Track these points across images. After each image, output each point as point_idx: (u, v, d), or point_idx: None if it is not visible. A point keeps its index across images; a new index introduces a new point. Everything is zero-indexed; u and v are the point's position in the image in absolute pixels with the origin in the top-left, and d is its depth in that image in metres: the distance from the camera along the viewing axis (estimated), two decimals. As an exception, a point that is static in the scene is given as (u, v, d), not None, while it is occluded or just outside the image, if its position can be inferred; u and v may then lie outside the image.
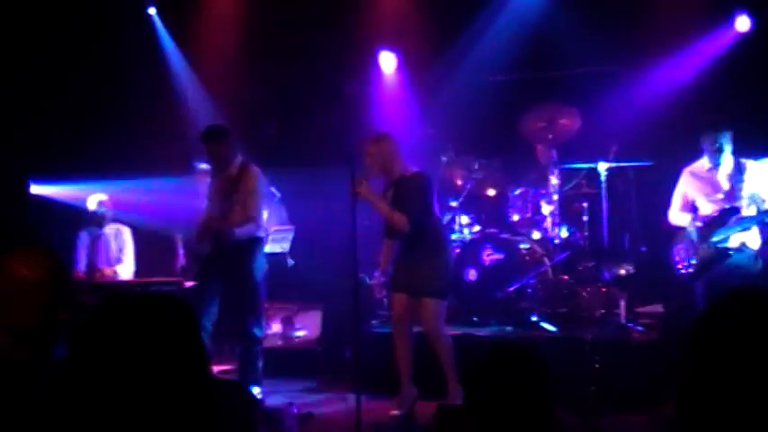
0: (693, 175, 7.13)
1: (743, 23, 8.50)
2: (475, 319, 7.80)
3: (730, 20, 8.54)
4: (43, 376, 2.57)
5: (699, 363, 1.62)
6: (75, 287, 8.01)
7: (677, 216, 7.19)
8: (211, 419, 2.05)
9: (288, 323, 8.78)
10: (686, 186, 7.16)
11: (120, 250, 8.83)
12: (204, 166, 7.79)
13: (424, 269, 6.54)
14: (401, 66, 9.86)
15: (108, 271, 8.64)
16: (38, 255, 2.79)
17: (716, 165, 6.92)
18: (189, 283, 8.21)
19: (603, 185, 8.15)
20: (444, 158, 8.42)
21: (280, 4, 9.76)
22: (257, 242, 7.27)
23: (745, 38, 8.54)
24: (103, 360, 1.96)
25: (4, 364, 2.66)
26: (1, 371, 2.63)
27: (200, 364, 2.05)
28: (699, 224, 6.91)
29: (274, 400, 6.59)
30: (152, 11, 10.32)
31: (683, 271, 6.97)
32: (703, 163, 7.05)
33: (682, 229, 7.08)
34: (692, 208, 7.11)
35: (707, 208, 6.97)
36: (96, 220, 8.79)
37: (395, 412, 6.51)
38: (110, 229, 8.85)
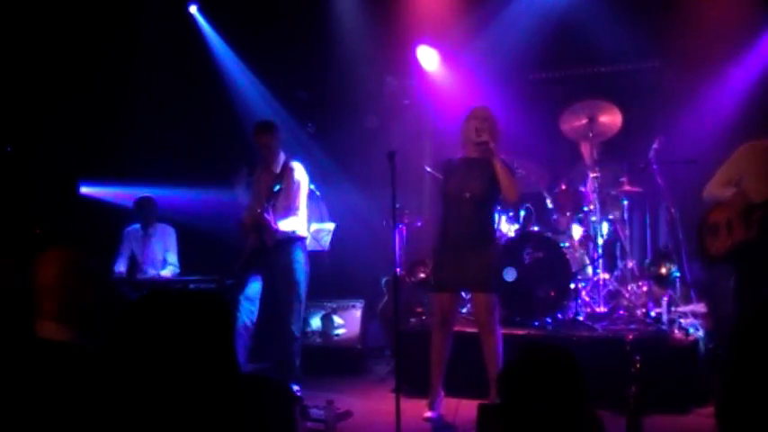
0: (755, 150, 6.50)
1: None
2: (517, 319, 7.76)
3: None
4: (79, 354, 2.85)
5: (741, 366, 1.60)
6: (114, 283, 8.12)
7: (717, 190, 6.56)
8: (242, 414, 2.07)
9: (327, 321, 8.80)
10: (740, 162, 6.51)
11: (166, 250, 8.89)
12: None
13: (478, 262, 6.39)
14: (442, 62, 9.84)
15: (151, 272, 8.70)
16: (53, 254, 3.14)
17: None
18: (230, 281, 8.27)
19: (646, 183, 8.09)
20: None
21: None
22: (299, 239, 7.32)
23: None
24: (139, 353, 2.01)
25: (46, 343, 2.95)
26: (44, 350, 2.90)
27: (229, 360, 2.08)
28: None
29: (313, 398, 6.59)
30: (193, 9, 10.36)
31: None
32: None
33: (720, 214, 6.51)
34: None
35: (758, 189, 6.33)
36: (142, 219, 8.86)
37: (429, 414, 6.45)
38: (156, 228, 8.92)
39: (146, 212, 8.85)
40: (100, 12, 9.48)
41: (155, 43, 9.75)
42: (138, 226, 8.90)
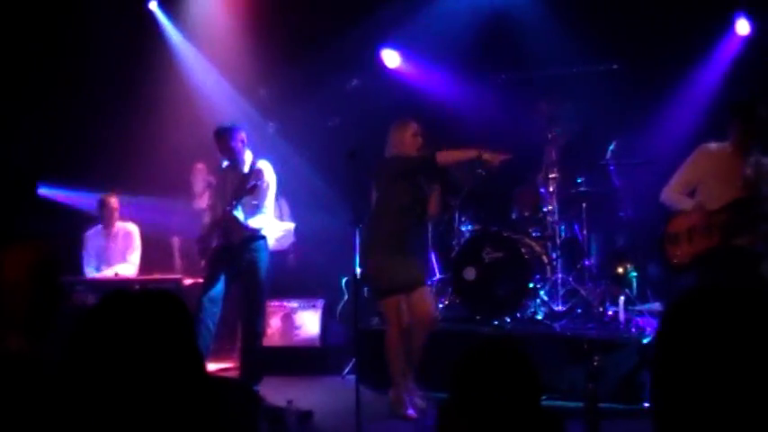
0: (712, 152, 6.53)
1: (743, 27, 8.51)
2: (477, 317, 7.83)
3: (731, 23, 8.56)
4: (42, 367, 2.63)
5: (664, 359, 1.67)
6: (74, 284, 8.04)
7: (675, 193, 6.60)
8: (208, 415, 2.08)
9: (288, 321, 8.80)
10: (697, 165, 6.55)
11: (128, 249, 8.84)
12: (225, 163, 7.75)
13: (415, 259, 6.64)
14: (404, 63, 9.88)
15: (108, 271, 8.64)
16: (18, 254, 2.83)
17: (741, 148, 6.35)
18: (188, 281, 8.25)
19: (603, 184, 8.20)
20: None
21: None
22: (264, 239, 7.32)
23: (746, 40, 8.57)
24: (100, 357, 2.00)
25: (4, 357, 2.72)
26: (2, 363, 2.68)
27: (194, 361, 2.09)
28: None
29: (275, 398, 6.59)
30: (153, 5, 10.25)
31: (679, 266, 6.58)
32: (725, 146, 6.48)
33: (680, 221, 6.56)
34: (691, 193, 6.56)
35: (717, 194, 6.39)
36: (104, 219, 8.81)
37: (412, 414, 6.51)
38: (118, 228, 8.87)
39: (107, 212, 8.79)
40: (57, 11, 9.40)
41: (115, 41, 9.67)
42: (100, 227, 8.85)
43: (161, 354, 2.02)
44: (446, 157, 6.60)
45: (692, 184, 6.55)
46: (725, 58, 8.72)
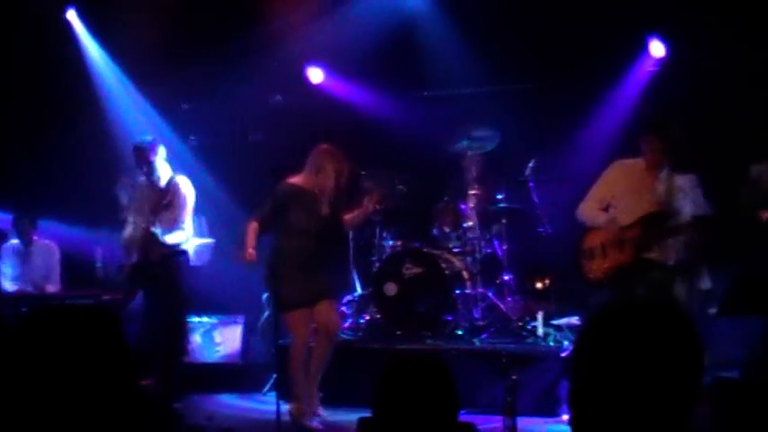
0: (624, 169, 6.73)
1: (657, 48, 8.73)
2: (397, 333, 7.87)
3: (645, 45, 8.78)
4: None
5: (581, 369, 1.72)
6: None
7: (590, 210, 6.75)
8: (137, 426, 2.06)
9: (208, 337, 8.72)
10: (610, 181, 6.72)
11: (48, 267, 8.68)
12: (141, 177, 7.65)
13: (319, 274, 6.74)
14: (328, 80, 9.89)
15: (29, 288, 8.49)
16: None
17: (654, 165, 6.55)
18: (107, 296, 8.12)
19: (523, 200, 8.34)
20: (364, 172, 8.42)
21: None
22: (183, 254, 7.26)
23: (660, 61, 8.80)
24: (27, 372, 1.97)
25: None
26: None
27: (126, 373, 2.07)
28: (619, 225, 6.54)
29: (195, 415, 6.53)
30: (71, 14, 9.86)
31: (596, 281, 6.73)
32: (638, 162, 6.66)
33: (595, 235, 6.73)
34: (606, 208, 6.72)
35: (630, 209, 6.60)
36: (20, 236, 8.65)
37: (318, 426, 6.51)
38: (36, 245, 8.71)
39: (22, 229, 8.63)
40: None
41: (29, 52, 9.48)
42: (18, 242, 8.69)
43: (89, 370, 2.00)
44: (350, 222, 7.01)
45: (607, 199, 6.69)
46: (640, 78, 8.94)
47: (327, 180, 6.67)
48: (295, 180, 6.73)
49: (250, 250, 6.57)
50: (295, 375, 6.63)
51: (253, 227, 6.64)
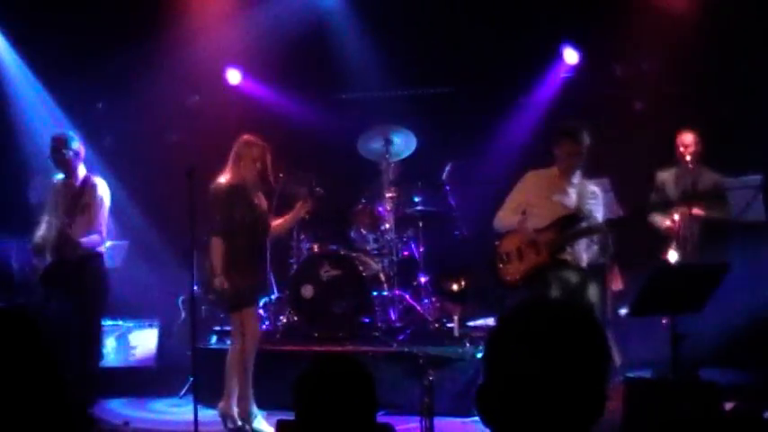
0: (538, 178, 6.84)
1: (571, 56, 8.92)
2: (315, 335, 7.88)
3: (559, 53, 8.96)
4: None
5: (490, 369, 1.77)
6: None
7: (506, 218, 6.80)
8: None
9: (123, 341, 8.60)
10: (524, 190, 6.83)
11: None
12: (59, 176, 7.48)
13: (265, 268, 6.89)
14: (246, 81, 9.83)
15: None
16: None
17: (567, 171, 6.66)
18: (21, 299, 7.96)
19: (439, 203, 8.44)
20: (281, 175, 8.39)
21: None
22: (99, 256, 7.15)
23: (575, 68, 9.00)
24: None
25: None
26: None
27: (46, 377, 2.05)
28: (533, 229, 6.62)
29: (111, 419, 6.44)
30: None
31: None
32: (552, 171, 6.77)
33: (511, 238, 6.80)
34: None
35: (544, 215, 6.68)
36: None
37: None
38: None
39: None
40: None
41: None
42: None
43: (7, 373, 1.97)
44: (278, 227, 7.09)
45: (522, 207, 6.77)
46: (554, 84, 9.13)
47: (249, 170, 6.65)
48: (225, 179, 6.67)
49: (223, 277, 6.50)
50: (236, 374, 6.58)
51: (220, 248, 6.53)
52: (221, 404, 6.56)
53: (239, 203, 6.61)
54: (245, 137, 6.80)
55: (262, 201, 6.81)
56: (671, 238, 7.44)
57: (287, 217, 7.09)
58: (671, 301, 5.54)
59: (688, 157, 7.42)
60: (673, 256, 7.39)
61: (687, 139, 7.46)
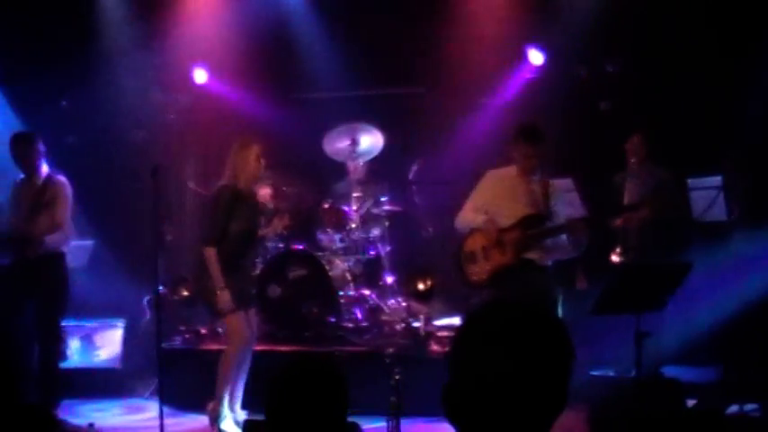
0: (498, 177, 6.86)
1: (536, 57, 8.98)
2: (281, 335, 7.88)
3: (524, 54, 9.02)
4: None
5: (454, 368, 1.80)
6: None
7: (469, 218, 6.80)
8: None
9: (87, 342, 8.54)
10: (485, 190, 6.85)
11: None
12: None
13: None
14: (212, 81, 9.79)
15: None
16: None
17: (525, 171, 6.68)
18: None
19: (406, 202, 8.47)
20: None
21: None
22: (61, 256, 7.09)
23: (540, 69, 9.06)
24: None
25: None
26: None
27: (5, 379, 2.04)
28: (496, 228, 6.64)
29: (75, 421, 6.40)
30: None
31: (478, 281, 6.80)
32: (511, 170, 6.78)
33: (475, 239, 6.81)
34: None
35: (507, 214, 6.66)
36: None
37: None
38: None
39: None
40: None
41: None
42: None
43: None
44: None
45: (483, 207, 6.78)
46: (519, 85, 9.19)
47: (254, 172, 6.67)
48: (227, 183, 6.63)
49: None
50: (225, 380, 6.53)
51: (215, 258, 6.45)
52: (210, 405, 6.55)
53: (241, 210, 6.60)
54: (244, 138, 6.76)
55: (257, 205, 6.92)
56: (618, 239, 7.56)
57: (266, 230, 7.22)
58: (633, 299, 5.60)
59: (632, 159, 7.55)
60: (617, 257, 7.51)
61: (632, 142, 7.61)
